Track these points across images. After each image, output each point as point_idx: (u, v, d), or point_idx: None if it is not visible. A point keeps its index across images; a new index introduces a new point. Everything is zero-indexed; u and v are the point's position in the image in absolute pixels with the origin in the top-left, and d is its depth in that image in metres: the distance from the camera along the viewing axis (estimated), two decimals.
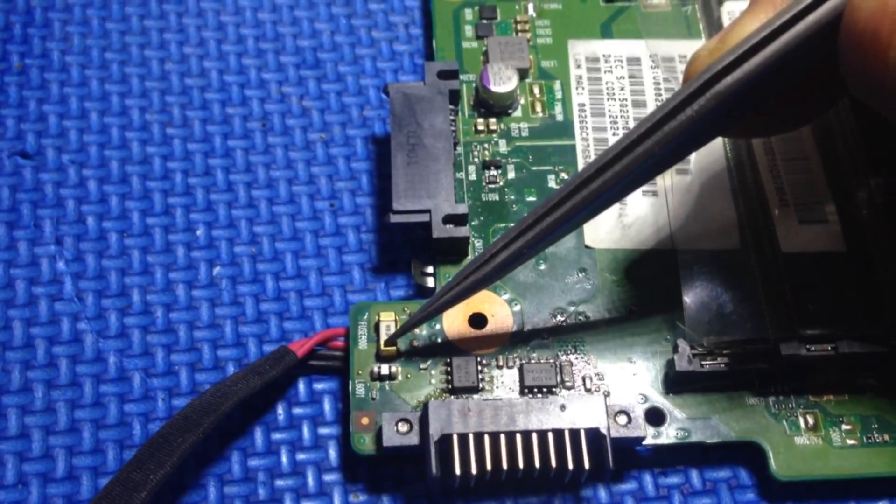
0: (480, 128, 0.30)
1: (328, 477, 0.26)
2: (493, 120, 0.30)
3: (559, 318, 0.27)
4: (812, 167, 0.28)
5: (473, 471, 0.23)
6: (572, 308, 0.27)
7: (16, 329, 0.27)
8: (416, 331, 0.26)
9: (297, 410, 0.27)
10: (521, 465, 0.23)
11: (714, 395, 0.26)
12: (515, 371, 0.26)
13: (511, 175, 0.29)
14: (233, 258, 0.29)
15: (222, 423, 0.25)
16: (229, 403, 0.24)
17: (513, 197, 0.29)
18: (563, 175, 0.29)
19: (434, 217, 0.27)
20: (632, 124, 0.30)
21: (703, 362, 0.25)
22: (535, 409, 0.24)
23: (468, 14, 0.32)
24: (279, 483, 0.26)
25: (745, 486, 0.26)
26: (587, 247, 0.28)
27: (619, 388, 0.26)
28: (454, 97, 0.29)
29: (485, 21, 0.32)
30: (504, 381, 0.26)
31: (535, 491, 0.25)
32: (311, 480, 0.26)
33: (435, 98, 0.29)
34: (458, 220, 0.27)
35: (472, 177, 0.29)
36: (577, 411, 0.24)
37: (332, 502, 0.25)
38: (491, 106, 0.30)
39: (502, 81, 0.30)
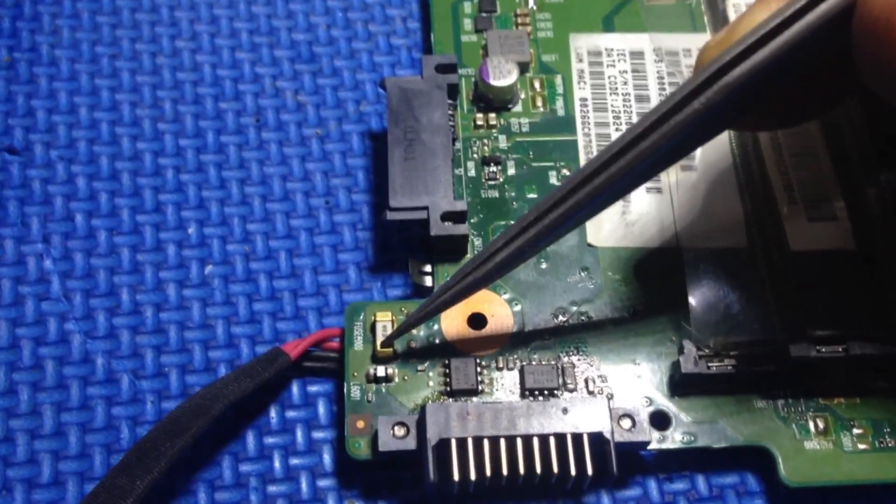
0: (480, 123, 0.29)
1: (322, 482, 0.25)
2: (492, 115, 0.29)
3: (561, 318, 0.26)
4: (821, 163, 0.27)
5: (472, 476, 0.22)
6: (574, 308, 0.26)
7: (1, 329, 0.26)
8: (414, 331, 0.25)
9: (290, 414, 0.26)
10: (521, 470, 0.23)
11: (721, 398, 0.25)
12: (516, 373, 0.25)
13: (511, 171, 0.28)
14: (225, 257, 0.28)
15: (213, 427, 0.24)
16: (220, 406, 0.23)
17: (513, 194, 0.28)
18: (565, 171, 0.28)
19: (432, 214, 0.26)
20: (635, 119, 0.29)
21: (710, 364, 0.25)
22: (536, 413, 0.23)
23: (467, 7, 0.31)
24: (272, 489, 0.25)
25: (753, 492, 0.25)
26: (590, 245, 0.27)
27: (622, 391, 0.25)
28: (452, 91, 0.28)
29: (484, 14, 0.31)
30: (504, 384, 0.25)
31: (536, 497, 0.25)
32: (304, 486, 0.25)
33: (433, 92, 0.28)
34: (456, 217, 0.26)
35: (472, 173, 0.28)
36: (579, 415, 0.23)
37: None
38: (490, 101, 0.29)
39: (502, 75, 0.29)
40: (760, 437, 0.25)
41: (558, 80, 0.30)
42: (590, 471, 0.23)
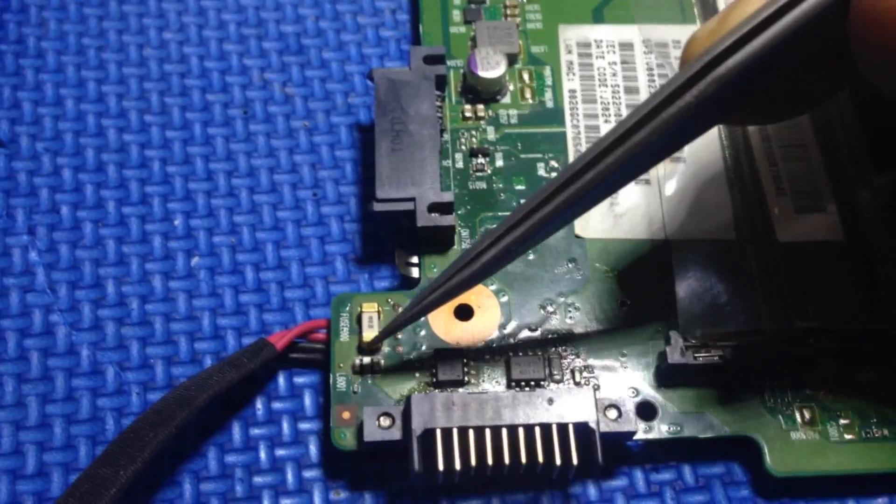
0: (468, 114, 0.29)
1: (308, 473, 0.25)
2: (480, 106, 0.29)
3: (548, 309, 0.26)
4: (810, 155, 0.27)
5: (457, 467, 0.22)
6: (562, 299, 0.26)
7: None
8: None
9: (276, 405, 0.26)
10: (507, 460, 0.23)
11: (707, 389, 0.25)
12: (502, 364, 0.25)
13: (499, 163, 0.28)
14: (211, 248, 0.28)
15: (199, 418, 0.24)
16: (204, 397, 0.23)
17: (501, 185, 0.28)
18: (553, 163, 0.28)
19: (419, 205, 0.26)
20: (624, 111, 0.29)
21: (697, 355, 0.24)
22: (521, 403, 0.23)
23: None
24: (257, 480, 0.25)
25: (739, 482, 0.25)
26: (577, 236, 0.27)
27: (609, 382, 0.25)
28: (440, 83, 0.28)
29: (473, 6, 0.31)
30: (490, 375, 0.25)
31: (522, 488, 0.25)
32: (290, 477, 0.25)
33: (421, 84, 0.28)
34: (443, 208, 0.26)
35: (460, 164, 0.28)
36: (565, 405, 0.23)
37: (313, 499, 0.24)
38: (479, 92, 0.29)
39: (490, 67, 0.29)
40: (747, 428, 0.24)
41: (547, 71, 0.30)
42: (575, 461, 0.22)
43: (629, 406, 0.24)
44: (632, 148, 0.20)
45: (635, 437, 0.24)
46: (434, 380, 0.25)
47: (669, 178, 0.28)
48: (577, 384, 0.25)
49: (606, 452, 0.23)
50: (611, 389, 0.25)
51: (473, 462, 0.22)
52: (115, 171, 0.29)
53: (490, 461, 0.23)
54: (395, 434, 0.23)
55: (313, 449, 0.25)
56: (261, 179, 0.29)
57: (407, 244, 0.27)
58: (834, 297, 0.25)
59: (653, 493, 0.25)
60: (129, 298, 0.27)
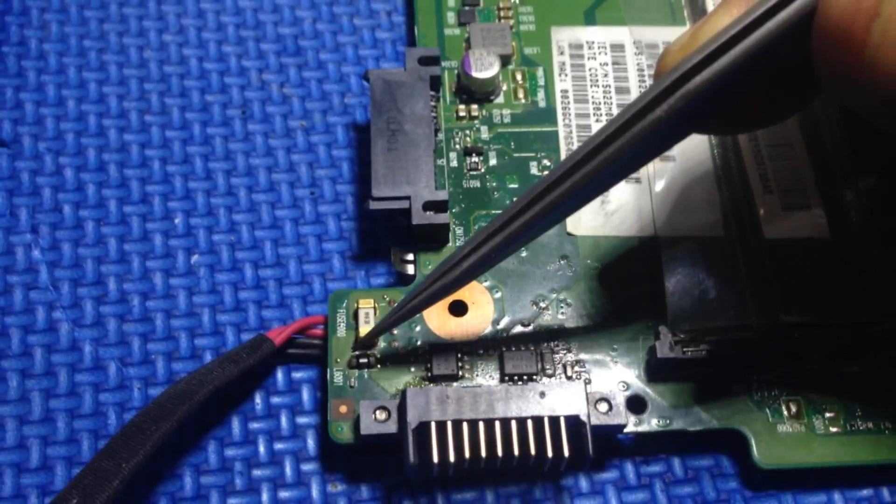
0: (462, 114, 0.29)
1: (306, 466, 0.25)
2: (474, 106, 0.30)
3: (540, 305, 0.27)
4: (796, 153, 0.28)
5: (452, 459, 0.23)
6: (554, 295, 0.27)
7: None
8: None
9: (275, 399, 0.26)
10: (499, 453, 0.23)
11: (696, 383, 0.25)
12: (496, 359, 0.26)
13: (493, 162, 0.29)
14: (211, 246, 0.28)
15: (199, 413, 0.25)
16: (204, 391, 0.24)
17: (494, 184, 0.28)
18: (546, 162, 0.29)
19: (414, 204, 0.26)
20: (615, 111, 0.29)
21: (685, 349, 0.25)
22: (514, 397, 0.24)
23: (451, 1, 0.32)
24: (256, 473, 0.25)
25: (727, 474, 0.26)
26: (569, 234, 0.28)
27: (600, 376, 0.26)
28: (435, 83, 0.29)
29: (467, 8, 0.31)
30: (484, 369, 0.25)
31: (515, 480, 0.25)
32: (288, 470, 0.25)
33: (415, 84, 0.28)
34: (438, 206, 0.27)
35: (454, 163, 0.29)
36: (556, 398, 0.24)
37: (310, 492, 0.25)
38: (473, 92, 0.30)
39: (484, 67, 0.29)
40: (734, 421, 0.25)
41: (540, 72, 0.30)
42: (566, 453, 0.23)
43: (619, 400, 0.24)
44: (606, 159, 0.21)
45: (626, 431, 0.25)
46: (429, 374, 0.25)
47: (659, 177, 0.28)
48: (569, 378, 0.25)
49: (597, 445, 0.23)
50: (602, 383, 0.25)
51: (467, 454, 0.23)
52: (116, 171, 0.29)
53: (483, 453, 0.23)
54: (391, 427, 0.24)
55: (311, 442, 0.26)
56: (259, 178, 0.29)
57: (402, 242, 0.28)
58: (820, 292, 0.26)
59: (643, 486, 0.25)
60: (131, 295, 0.27)
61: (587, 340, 0.26)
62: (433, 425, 0.23)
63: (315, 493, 0.25)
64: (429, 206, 0.26)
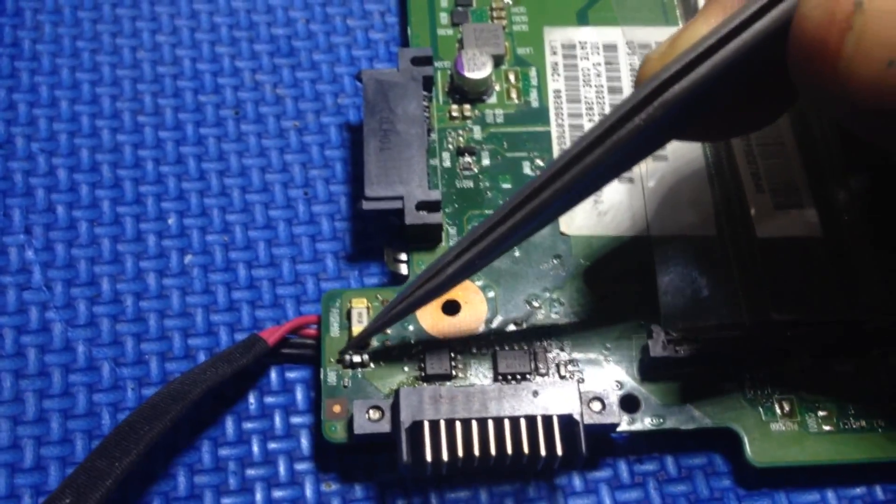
0: (455, 114, 0.29)
1: (300, 466, 0.25)
2: (467, 106, 0.30)
3: (534, 304, 0.27)
4: (788, 153, 0.28)
5: (445, 458, 0.23)
6: (547, 295, 0.27)
7: None
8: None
9: (268, 399, 0.26)
10: (493, 451, 0.23)
11: (689, 382, 0.26)
12: (489, 358, 0.26)
13: (486, 162, 0.29)
14: (205, 247, 0.28)
15: (193, 413, 0.25)
16: (198, 391, 0.24)
17: (487, 184, 0.28)
18: (539, 161, 0.29)
19: (407, 204, 0.26)
20: (608, 110, 0.29)
21: (678, 348, 0.25)
22: (507, 396, 0.24)
23: (444, 1, 0.32)
24: (250, 472, 0.25)
25: (720, 472, 0.26)
26: (562, 234, 0.28)
27: (593, 375, 0.26)
28: (428, 83, 0.29)
29: (460, 8, 0.31)
30: (477, 369, 0.25)
31: (509, 479, 0.25)
32: (282, 470, 0.25)
33: (408, 84, 0.28)
34: (431, 206, 0.27)
35: (447, 164, 0.29)
36: (549, 397, 0.24)
37: (304, 492, 0.25)
38: (465, 92, 0.30)
39: (477, 68, 0.29)
40: (727, 419, 0.25)
41: (532, 72, 0.30)
42: (559, 452, 0.23)
43: (613, 398, 0.24)
44: (586, 167, 0.21)
45: (619, 429, 0.25)
46: (422, 374, 0.25)
47: (652, 176, 0.28)
48: (562, 377, 0.25)
49: (591, 444, 0.23)
50: (595, 382, 0.26)
51: (461, 453, 0.23)
52: (109, 171, 0.29)
53: (477, 452, 0.23)
54: (385, 427, 0.24)
55: (305, 442, 0.26)
56: (252, 179, 0.29)
57: (395, 242, 0.28)
58: (812, 290, 0.26)
59: (636, 484, 0.25)
60: (124, 296, 0.27)
61: (580, 339, 0.26)
62: (426, 424, 0.23)
63: (309, 492, 0.25)
64: (422, 206, 0.26)
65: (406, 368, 0.25)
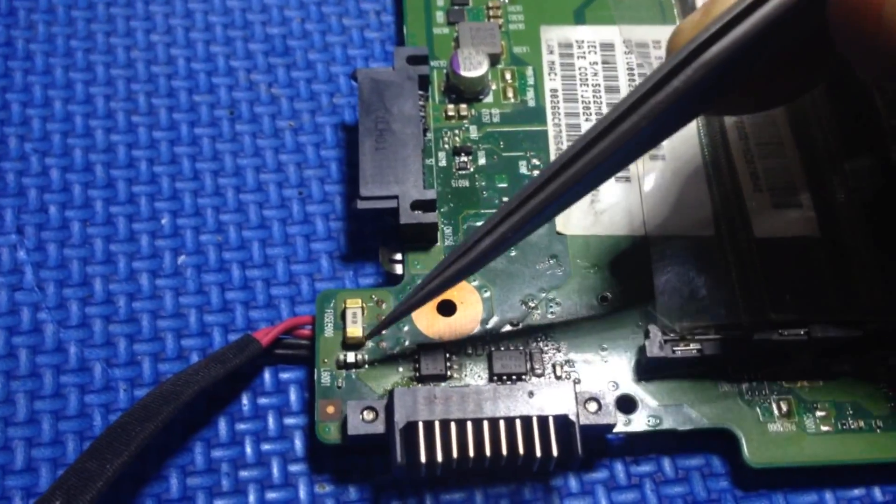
0: (451, 113, 0.29)
1: (293, 468, 0.25)
2: (463, 106, 0.29)
3: (530, 304, 0.26)
4: (786, 152, 0.28)
5: (439, 459, 0.23)
6: (543, 295, 0.27)
7: None
8: (382, 317, 0.26)
9: (262, 400, 0.26)
10: (488, 453, 0.23)
11: (686, 382, 0.25)
12: (484, 358, 0.25)
13: (482, 161, 0.29)
14: (198, 247, 0.28)
15: (185, 414, 0.25)
16: (190, 392, 0.24)
17: (483, 183, 0.28)
18: (535, 161, 0.29)
19: (402, 203, 0.26)
20: (605, 110, 0.29)
21: (675, 348, 0.25)
22: (502, 396, 0.23)
23: (440, 0, 0.31)
24: (243, 474, 0.25)
25: (718, 473, 0.25)
26: (559, 233, 0.27)
27: (589, 376, 0.25)
28: (424, 82, 0.28)
29: (456, 7, 0.31)
30: (473, 369, 0.25)
31: (504, 480, 0.25)
32: (275, 471, 0.25)
33: (404, 83, 0.28)
34: (426, 206, 0.26)
35: (443, 163, 0.28)
36: (545, 398, 0.23)
37: (298, 493, 0.25)
38: (462, 92, 0.29)
39: (472, 67, 0.29)
40: (725, 420, 0.25)
41: (529, 71, 0.30)
42: (555, 452, 0.23)
43: (609, 399, 0.24)
44: (622, 135, 0.20)
45: (615, 430, 0.25)
46: (417, 374, 0.25)
47: (649, 176, 0.28)
48: (558, 378, 0.25)
49: (587, 445, 0.23)
50: (591, 383, 0.25)
51: (455, 454, 0.23)
52: (102, 171, 0.29)
53: (472, 453, 0.23)
54: (379, 427, 0.24)
55: (298, 443, 0.25)
56: (247, 179, 0.29)
57: (390, 241, 0.28)
58: (810, 290, 0.25)
59: (633, 485, 0.25)
60: (117, 296, 0.27)
61: (576, 340, 0.26)
62: (421, 425, 0.23)
63: (302, 493, 0.25)
64: (417, 205, 0.26)
65: (400, 369, 0.25)
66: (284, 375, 0.26)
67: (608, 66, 0.30)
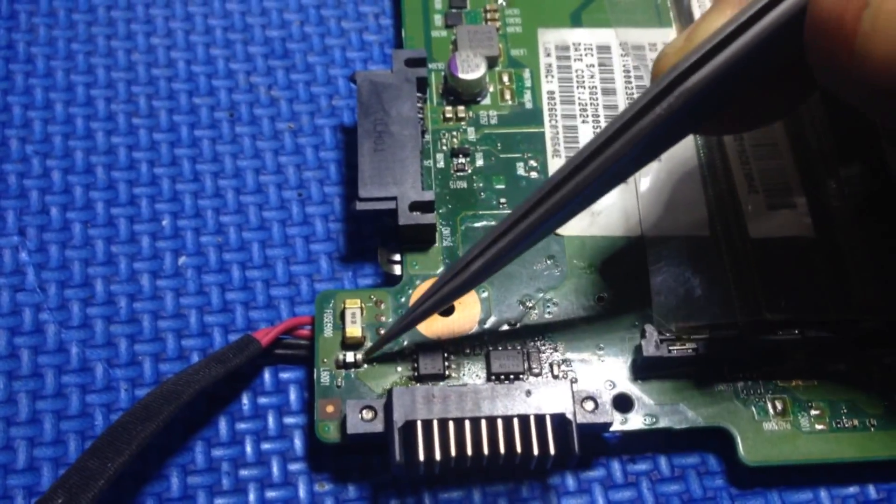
0: (449, 116, 0.29)
1: (293, 466, 0.25)
2: (461, 108, 0.30)
3: (527, 305, 0.27)
4: (781, 153, 0.28)
5: (437, 457, 0.23)
6: (540, 295, 0.27)
7: None
8: (383, 318, 0.26)
9: (262, 400, 0.26)
10: (486, 451, 0.23)
11: (682, 381, 0.26)
12: (482, 358, 0.26)
13: (479, 163, 0.29)
14: (198, 248, 0.28)
15: (186, 413, 0.25)
16: (190, 391, 0.24)
17: (481, 184, 0.28)
18: (532, 162, 0.29)
19: (400, 204, 0.26)
20: (601, 112, 0.30)
21: (671, 348, 0.25)
22: (500, 395, 0.24)
23: (437, 3, 0.32)
24: (243, 473, 0.25)
25: (713, 472, 0.26)
26: (556, 234, 0.28)
27: (586, 375, 0.26)
28: (422, 85, 0.29)
29: (454, 10, 0.32)
30: (471, 369, 0.25)
31: (502, 479, 0.25)
32: (275, 470, 0.25)
33: (402, 86, 0.28)
34: (424, 207, 0.27)
35: (441, 164, 0.29)
36: (542, 397, 0.24)
37: (298, 492, 0.25)
38: (459, 94, 0.30)
39: (470, 69, 0.29)
40: (720, 419, 0.25)
41: (526, 73, 0.30)
42: (552, 451, 0.23)
43: (606, 398, 0.24)
44: (609, 158, 0.21)
45: (612, 429, 0.25)
46: (416, 374, 0.25)
47: (645, 177, 0.28)
48: (555, 377, 0.26)
49: (584, 444, 0.23)
50: (588, 382, 0.26)
51: (453, 453, 0.23)
52: (103, 173, 0.29)
53: (470, 452, 0.23)
54: (378, 426, 0.24)
55: (298, 442, 0.26)
56: (247, 180, 0.29)
57: (389, 242, 0.28)
58: (805, 290, 0.26)
59: (630, 484, 0.25)
60: (118, 297, 0.27)
61: (573, 339, 0.26)
62: (419, 424, 0.23)
63: (302, 492, 0.25)
64: (415, 206, 0.27)
65: (399, 368, 0.25)
66: (284, 375, 0.27)
67: (605, 69, 0.30)
